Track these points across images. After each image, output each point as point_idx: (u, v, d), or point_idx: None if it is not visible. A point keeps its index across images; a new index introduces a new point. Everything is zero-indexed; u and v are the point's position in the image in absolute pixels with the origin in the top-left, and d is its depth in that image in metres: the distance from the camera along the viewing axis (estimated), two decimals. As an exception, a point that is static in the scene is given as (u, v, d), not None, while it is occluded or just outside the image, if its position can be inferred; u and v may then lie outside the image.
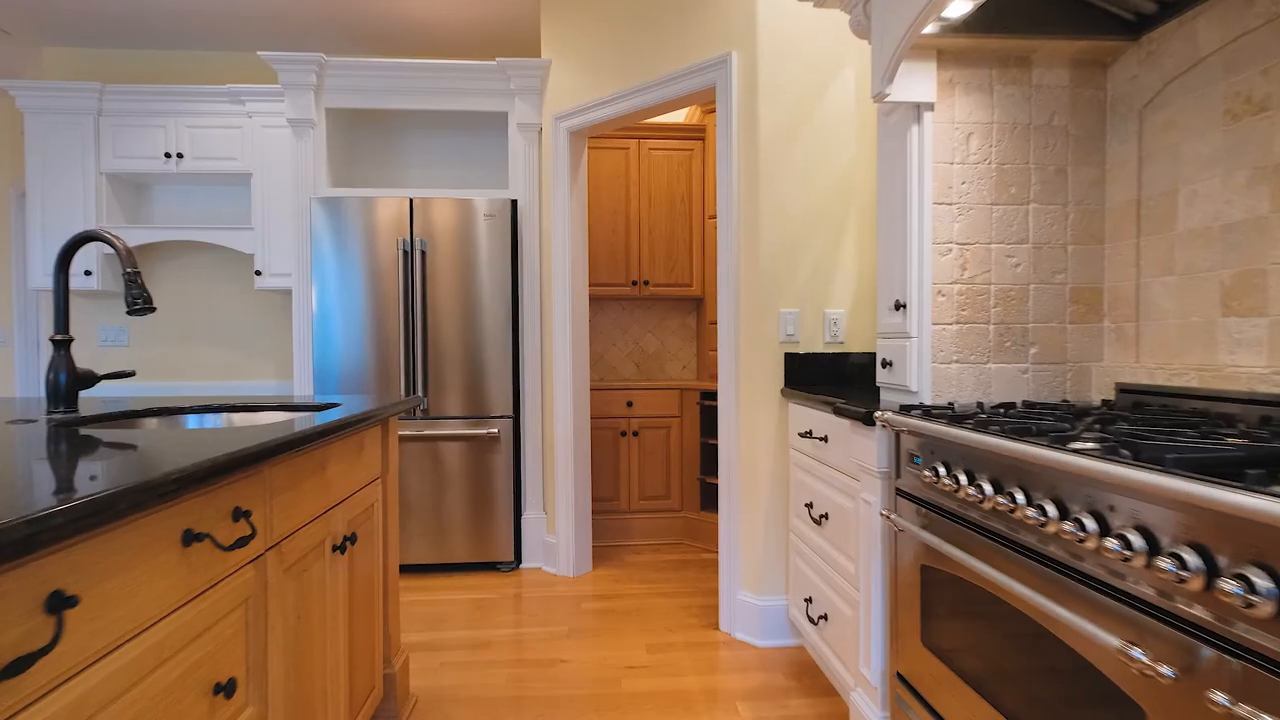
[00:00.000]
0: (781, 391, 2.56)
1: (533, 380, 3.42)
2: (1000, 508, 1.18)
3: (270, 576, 1.22)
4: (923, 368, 1.79)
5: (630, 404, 3.81)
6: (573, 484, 3.30)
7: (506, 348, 3.30)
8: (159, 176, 3.68)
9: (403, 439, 3.24)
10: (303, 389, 3.31)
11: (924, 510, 1.50)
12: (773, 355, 2.58)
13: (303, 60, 3.24)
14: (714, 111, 3.83)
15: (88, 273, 3.56)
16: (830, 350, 2.61)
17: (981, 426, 1.30)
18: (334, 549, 1.54)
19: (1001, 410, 1.54)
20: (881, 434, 1.67)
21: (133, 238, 3.60)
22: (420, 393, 3.24)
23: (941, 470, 1.40)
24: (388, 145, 3.84)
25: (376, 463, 1.89)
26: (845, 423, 1.93)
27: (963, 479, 1.32)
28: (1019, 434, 1.21)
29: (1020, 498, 1.15)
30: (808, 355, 2.58)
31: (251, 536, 1.09)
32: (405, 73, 3.37)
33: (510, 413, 3.30)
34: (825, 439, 2.11)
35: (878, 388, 2.48)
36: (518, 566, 3.42)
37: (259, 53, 3.25)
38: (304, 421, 1.39)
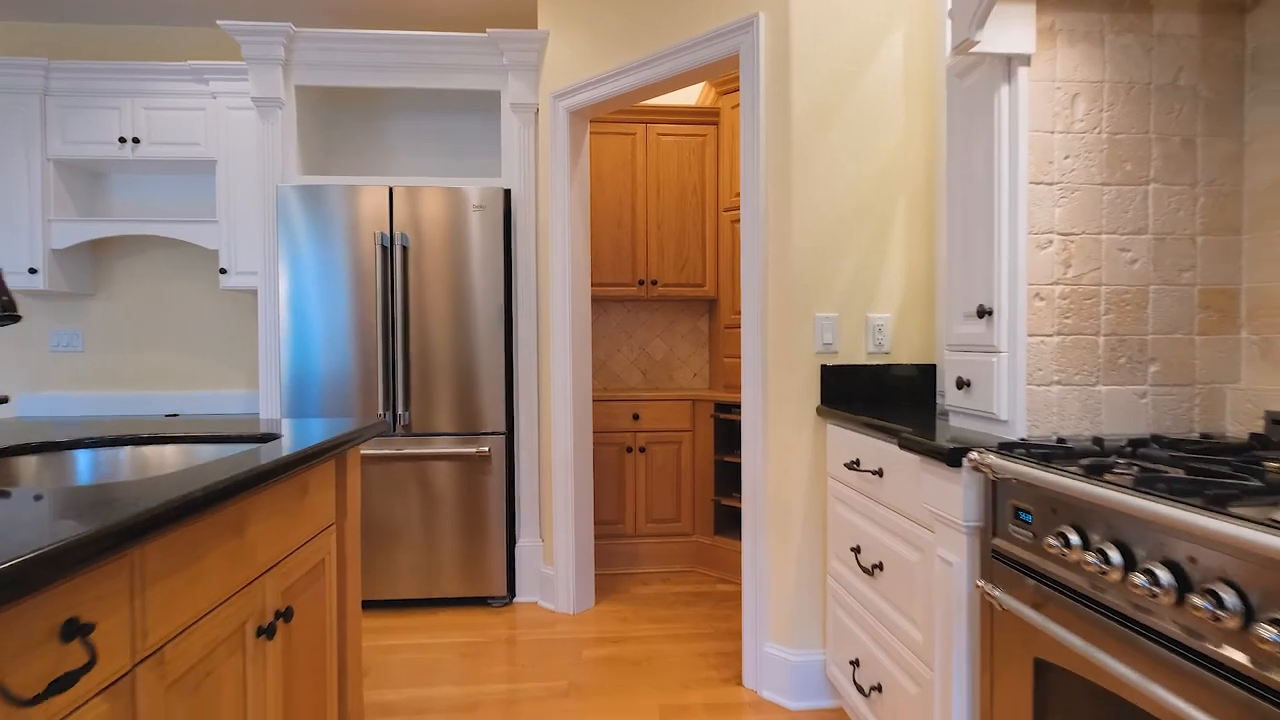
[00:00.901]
0: (817, 410, 2.19)
1: (527, 391, 3.05)
2: (1198, 612, 0.81)
3: (141, 702, 0.85)
4: (1015, 390, 1.42)
5: (637, 417, 3.44)
6: (573, 508, 2.93)
7: (498, 355, 2.93)
8: (114, 164, 3.31)
9: (383, 459, 2.87)
10: (269, 402, 2.94)
11: (1040, 585, 1.13)
12: (807, 367, 2.21)
13: (268, 31, 2.87)
14: (731, 91, 3.46)
15: (33, 270, 3.19)
16: (873, 361, 2.24)
17: (1147, 487, 0.93)
18: (259, 632, 1.17)
19: (1136, 449, 1.17)
20: (971, 477, 1.30)
21: (86, 231, 3.24)
22: (401, 407, 2.87)
23: (1074, 539, 1.03)
24: (368, 130, 3.47)
25: (329, 507, 1.52)
26: (911, 457, 1.56)
27: (1114, 556, 0.95)
28: (1217, 502, 0.84)
29: (1231, 600, 0.78)
30: (847, 367, 2.21)
31: (89, 665, 0.73)
32: (384, 46, 3.00)
33: (503, 428, 2.94)
34: (879, 473, 1.74)
35: (932, 406, 2.11)
36: (511, 601, 3.04)
37: (219, 22, 2.88)
38: (223, 466, 1.03)
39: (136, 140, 3.20)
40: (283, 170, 2.97)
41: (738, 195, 3.46)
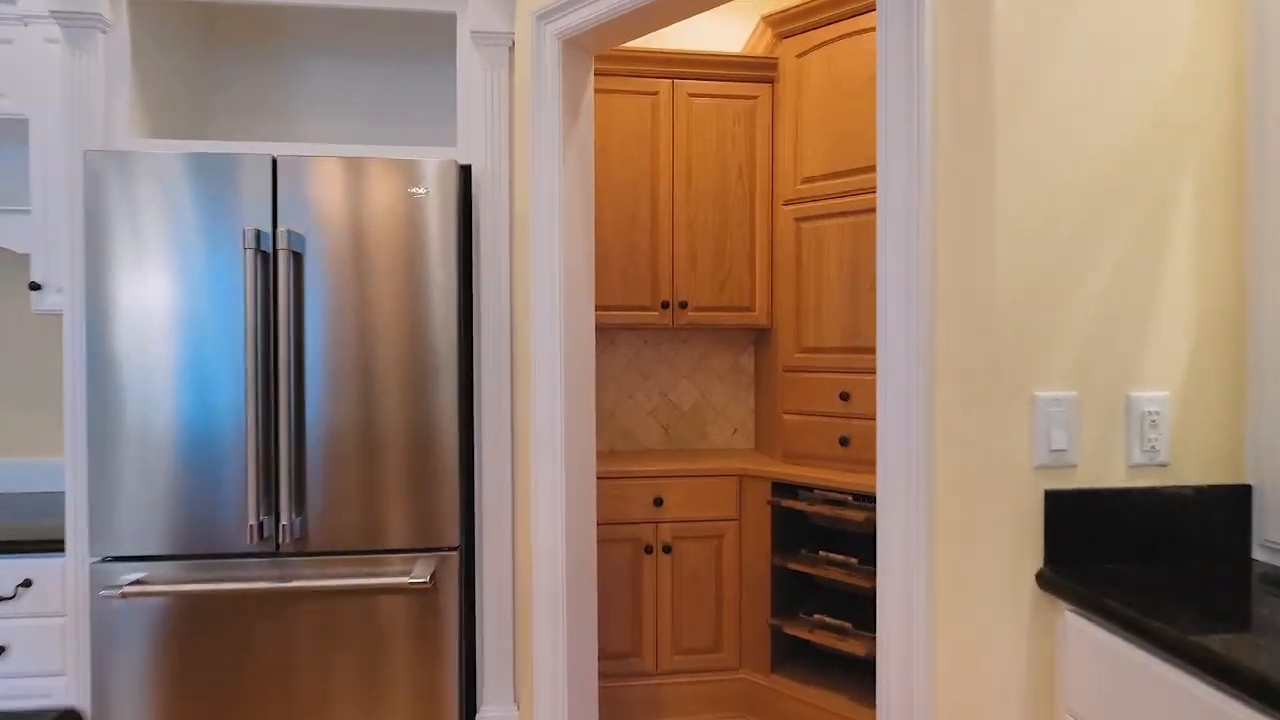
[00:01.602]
0: (1040, 578, 1.12)
1: (496, 478, 1.97)
2: None
3: None
4: None
5: (659, 502, 2.37)
6: (564, 654, 1.87)
7: (449, 422, 1.85)
8: (-116, 126, 2.22)
9: (251, 598, 1.78)
10: (77, 481, 1.85)
11: None
12: (1016, 492, 1.14)
13: (81, -94, 1.79)
14: (799, 30, 2.39)
15: None
16: (1141, 482, 1.17)
17: None
18: None
19: None
20: None
21: None
22: (287, 510, 1.78)
23: None
24: (265, 81, 2.38)
25: None
26: None
27: None
28: None
29: None
30: (1095, 494, 1.15)
31: None
32: (273, -64, 1.92)
33: (456, 540, 1.85)
34: None
35: (1246, 563, 1.04)
36: (468, 805, 1.96)
37: (3, -108, 1.80)
38: None
39: (-90, 89, 2.11)
40: (105, 129, 1.88)
41: (808, 180, 2.39)
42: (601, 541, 2.35)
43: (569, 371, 1.92)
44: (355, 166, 1.80)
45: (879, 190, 1.28)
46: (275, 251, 1.76)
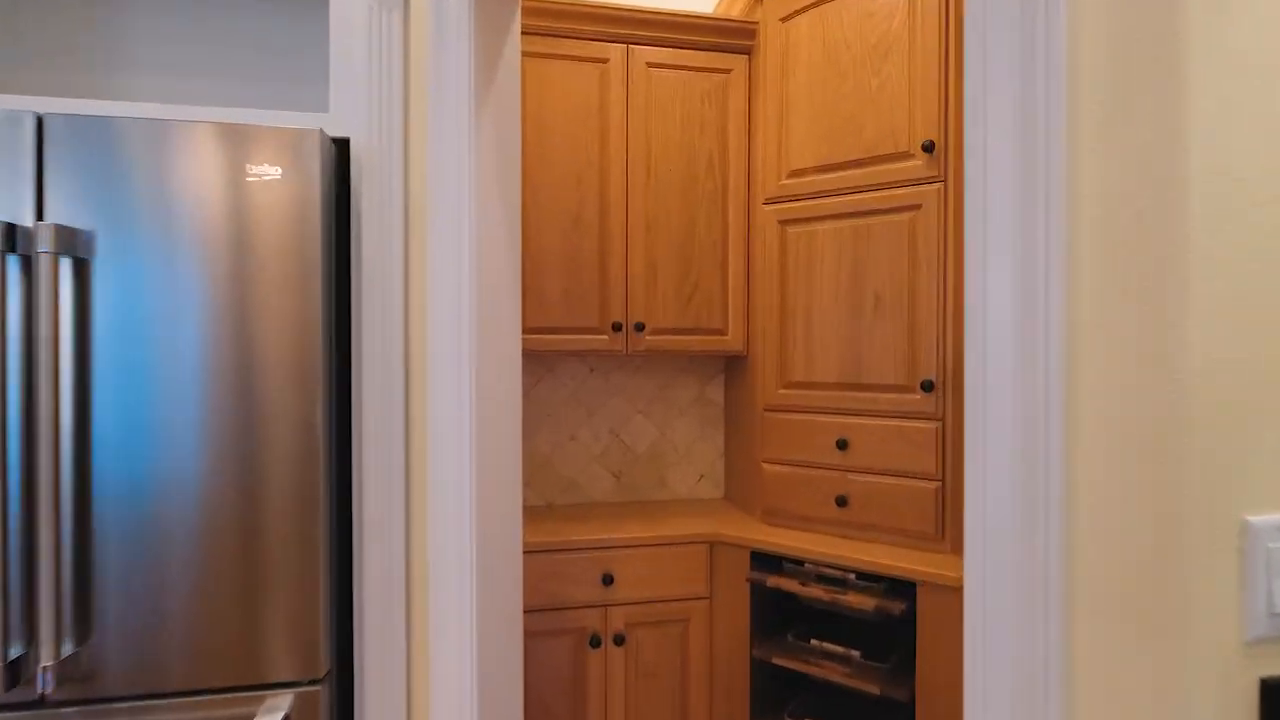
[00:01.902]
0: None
1: (380, 573, 1.42)
2: None
3: None
4: None
5: (609, 579, 1.85)
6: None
7: (312, 502, 1.29)
8: None
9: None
10: None
11: None
12: (1211, 682, 0.67)
13: None
14: (785, -15, 1.92)
15: None
16: (1402, 659, 0.72)
17: None
18: None
19: None
20: None
21: None
22: (54, 632, 1.19)
23: None
24: (84, 26, 1.77)
25: None
26: None
27: None
28: None
29: None
30: (1336, 685, 0.69)
31: None
32: None
33: (324, 667, 1.30)
34: None
35: None
36: None
37: None
38: None
39: None
40: None
41: (795, 174, 1.92)
42: (534, 635, 1.82)
43: (482, 419, 1.40)
44: (167, 134, 1.24)
45: (969, 190, 0.80)
46: (35, 256, 1.18)
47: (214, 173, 1.25)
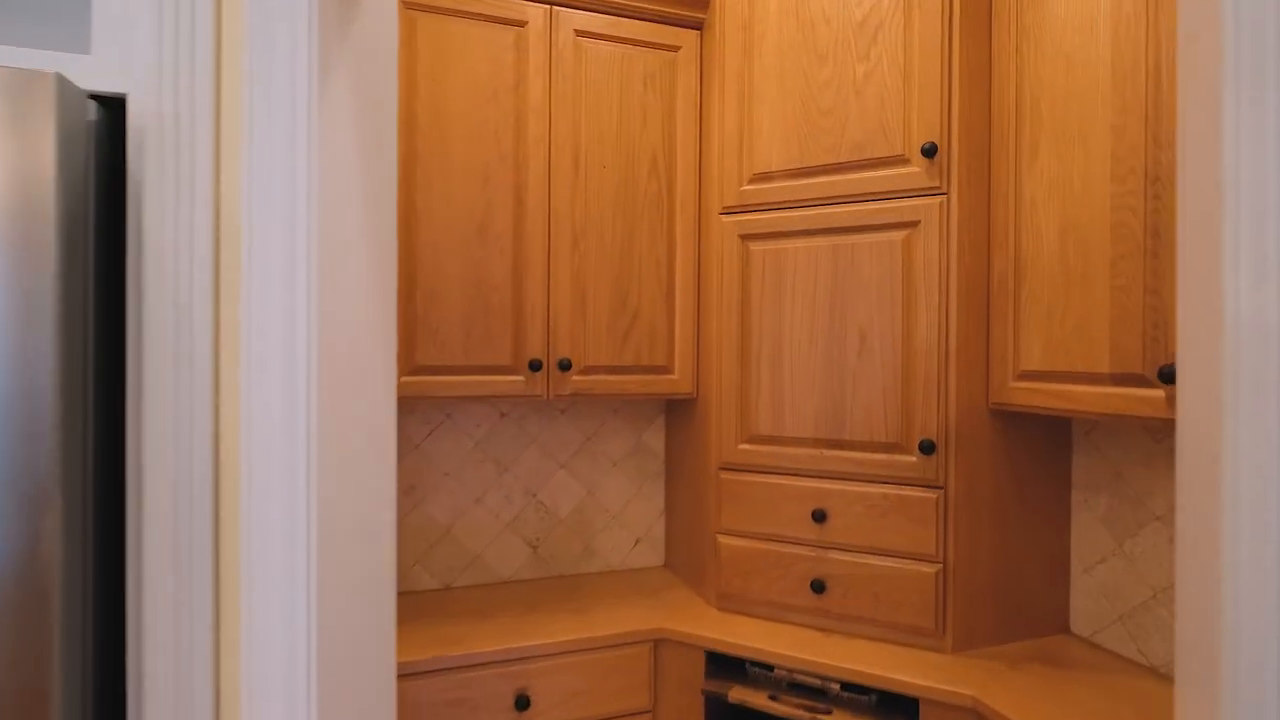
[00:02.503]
0: None
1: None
2: None
3: None
4: None
5: (524, 702, 1.40)
6: None
7: (63, 667, 0.79)
8: None
9: None
10: None
11: None
12: None
13: None
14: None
15: None
16: None
17: None
18: None
19: None
20: None
21: None
22: None
23: None
24: None
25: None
26: None
27: None
28: None
29: None
30: None
31: None
32: None
33: None
34: None
35: None
36: None
37: None
38: None
39: None
40: None
41: (760, 178, 1.55)
42: (422, 783, 1.35)
43: (333, 518, 0.94)
44: None
45: (1182, 173, 0.43)
46: None
47: None
